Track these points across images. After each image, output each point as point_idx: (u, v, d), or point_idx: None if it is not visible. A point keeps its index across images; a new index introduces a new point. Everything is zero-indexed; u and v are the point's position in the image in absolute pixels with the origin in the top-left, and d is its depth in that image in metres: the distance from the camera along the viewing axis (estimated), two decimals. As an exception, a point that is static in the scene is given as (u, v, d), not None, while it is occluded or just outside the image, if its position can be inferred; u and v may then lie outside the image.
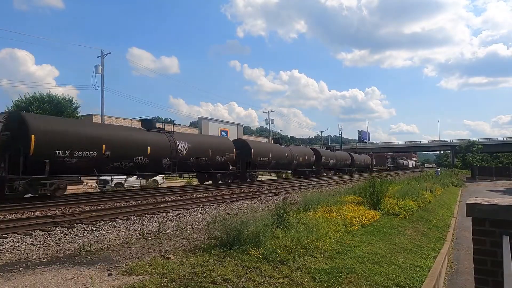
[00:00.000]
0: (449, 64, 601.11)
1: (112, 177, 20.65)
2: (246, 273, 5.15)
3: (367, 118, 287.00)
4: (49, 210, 11.47)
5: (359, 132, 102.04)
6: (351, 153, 55.88)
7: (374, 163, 69.94)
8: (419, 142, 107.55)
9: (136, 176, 21.29)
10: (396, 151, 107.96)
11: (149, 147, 17.91)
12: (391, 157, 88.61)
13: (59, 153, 14.03)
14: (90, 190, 22.77)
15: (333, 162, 44.63)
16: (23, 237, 7.54)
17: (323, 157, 41.04)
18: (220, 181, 24.41)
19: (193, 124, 72.78)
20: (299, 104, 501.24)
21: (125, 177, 22.06)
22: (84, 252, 6.55)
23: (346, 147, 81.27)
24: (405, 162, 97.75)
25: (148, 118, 21.01)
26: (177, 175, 24.32)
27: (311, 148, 44.48)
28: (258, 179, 31.08)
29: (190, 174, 26.16)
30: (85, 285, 4.64)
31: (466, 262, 8.58)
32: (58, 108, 33.64)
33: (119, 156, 16.47)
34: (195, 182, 29.33)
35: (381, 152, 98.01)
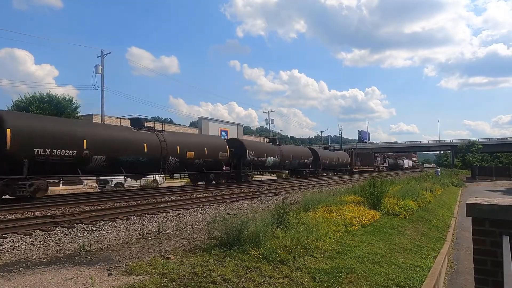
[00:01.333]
0: (449, 64, 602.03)
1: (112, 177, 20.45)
2: (246, 273, 5.15)
3: (367, 118, 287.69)
4: (49, 210, 11.46)
5: (359, 132, 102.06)
6: (315, 149, 42.38)
7: (359, 163, 60.79)
8: (419, 142, 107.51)
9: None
10: (396, 151, 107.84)
11: None
12: (381, 156, 76.07)
13: None
14: (90, 190, 22.78)
15: (274, 161, 30.08)
16: (23, 237, 7.53)
17: (250, 153, 26.23)
18: None
19: (193, 124, 72.82)
20: (299, 104, 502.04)
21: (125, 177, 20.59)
22: (84, 252, 6.55)
23: (346, 147, 79.76)
24: (400, 162, 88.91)
25: None
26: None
27: (230, 139, 29.08)
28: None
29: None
30: (85, 285, 4.64)
31: (466, 262, 8.59)
32: (58, 108, 33.64)
33: None
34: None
35: (382, 151, 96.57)
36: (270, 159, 29.70)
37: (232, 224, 6.43)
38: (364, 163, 61.69)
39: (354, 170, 54.45)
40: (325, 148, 51.13)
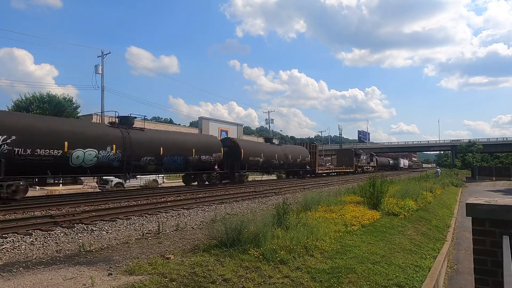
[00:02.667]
0: (449, 63, 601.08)
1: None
2: (246, 273, 5.16)
3: (367, 118, 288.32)
4: (49, 210, 11.47)
5: (359, 132, 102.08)
6: (236, 140, 27.40)
7: (332, 162, 50.36)
8: (419, 142, 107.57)
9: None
10: (397, 151, 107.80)
11: None
12: (367, 154, 60.64)
13: None
14: (90, 190, 22.78)
15: (102, 157, 16.02)
16: (23, 237, 7.53)
17: None
18: None
19: (193, 124, 72.88)
20: (299, 104, 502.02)
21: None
22: (84, 252, 6.55)
23: (346, 147, 78.58)
24: (393, 161, 78.22)
25: None
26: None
27: None
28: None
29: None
30: (85, 285, 4.64)
31: (466, 262, 8.59)
32: (58, 108, 33.68)
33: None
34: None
35: (382, 151, 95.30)
36: (87, 155, 15.49)
37: (232, 224, 6.43)
38: (341, 162, 49.01)
39: (320, 171, 40.49)
40: (267, 140, 34.31)
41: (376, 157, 65.05)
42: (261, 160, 27.96)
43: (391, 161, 77.25)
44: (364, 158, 56.11)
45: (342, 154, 52.10)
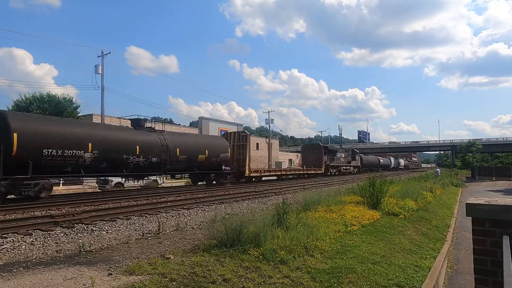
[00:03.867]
0: (449, 63, 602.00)
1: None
2: (246, 273, 5.16)
3: (367, 118, 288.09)
4: (49, 210, 11.47)
5: (359, 132, 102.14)
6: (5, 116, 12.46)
7: (301, 162, 39.35)
8: (419, 142, 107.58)
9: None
10: (397, 151, 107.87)
11: None
12: (347, 151, 49.61)
13: None
14: (90, 190, 22.78)
15: None
16: (23, 237, 7.53)
17: None
18: None
19: (193, 124, 72.89)
20: (299, 104, 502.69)
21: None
22: (84, 252, 6.55)
23: (346, 147, 78.14)
24: (383, 161, 67.75)
25: None
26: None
27: None
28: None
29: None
30: (85, 285, 4.64)
31: (466, 262, 8.59)
32: (58, 108, 33.65)
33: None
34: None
35: (383, 152, 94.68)
36: None
37: (232, 224, 6.43)
38: (307, 161, 38.36)
39: (256, 174, 27.61)
40: (134, 123, 19.33)
41: (361, 155, 55.12)
42: (89, 155, 15.02)
43: (381, 160, 66.65)
44: (342, 156, 45.41)
45: (309, 152, 39.89)
